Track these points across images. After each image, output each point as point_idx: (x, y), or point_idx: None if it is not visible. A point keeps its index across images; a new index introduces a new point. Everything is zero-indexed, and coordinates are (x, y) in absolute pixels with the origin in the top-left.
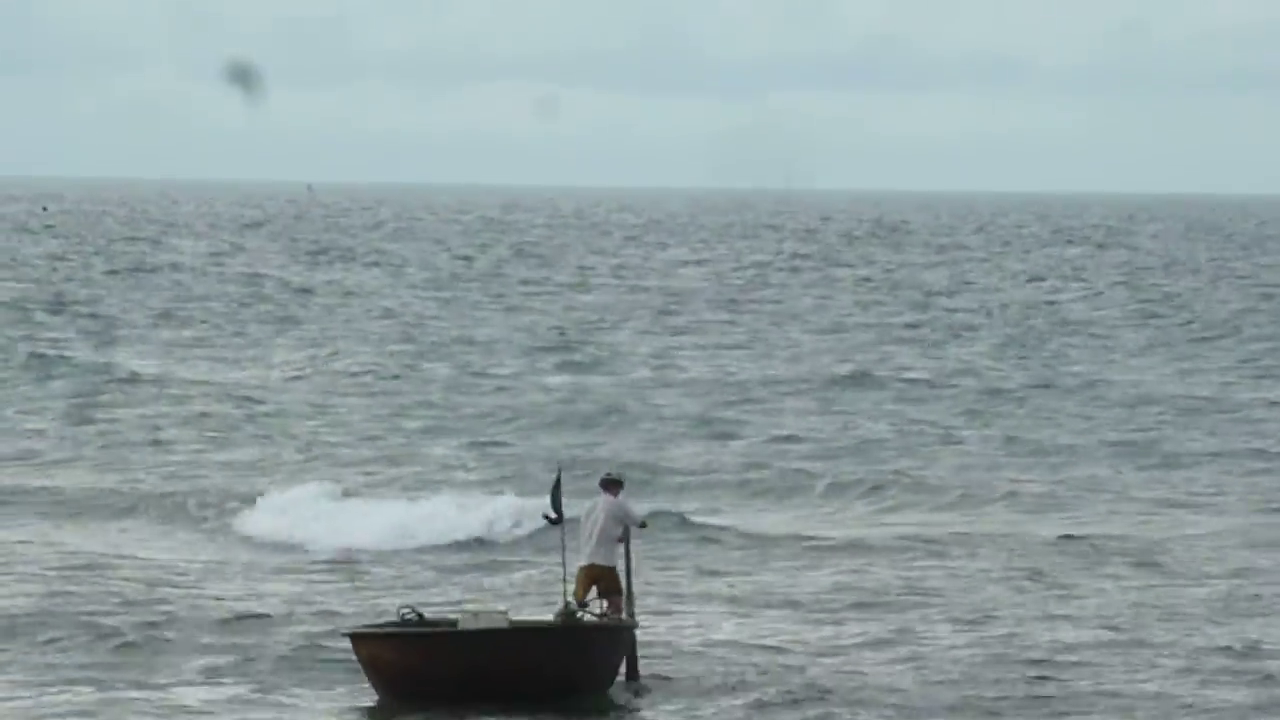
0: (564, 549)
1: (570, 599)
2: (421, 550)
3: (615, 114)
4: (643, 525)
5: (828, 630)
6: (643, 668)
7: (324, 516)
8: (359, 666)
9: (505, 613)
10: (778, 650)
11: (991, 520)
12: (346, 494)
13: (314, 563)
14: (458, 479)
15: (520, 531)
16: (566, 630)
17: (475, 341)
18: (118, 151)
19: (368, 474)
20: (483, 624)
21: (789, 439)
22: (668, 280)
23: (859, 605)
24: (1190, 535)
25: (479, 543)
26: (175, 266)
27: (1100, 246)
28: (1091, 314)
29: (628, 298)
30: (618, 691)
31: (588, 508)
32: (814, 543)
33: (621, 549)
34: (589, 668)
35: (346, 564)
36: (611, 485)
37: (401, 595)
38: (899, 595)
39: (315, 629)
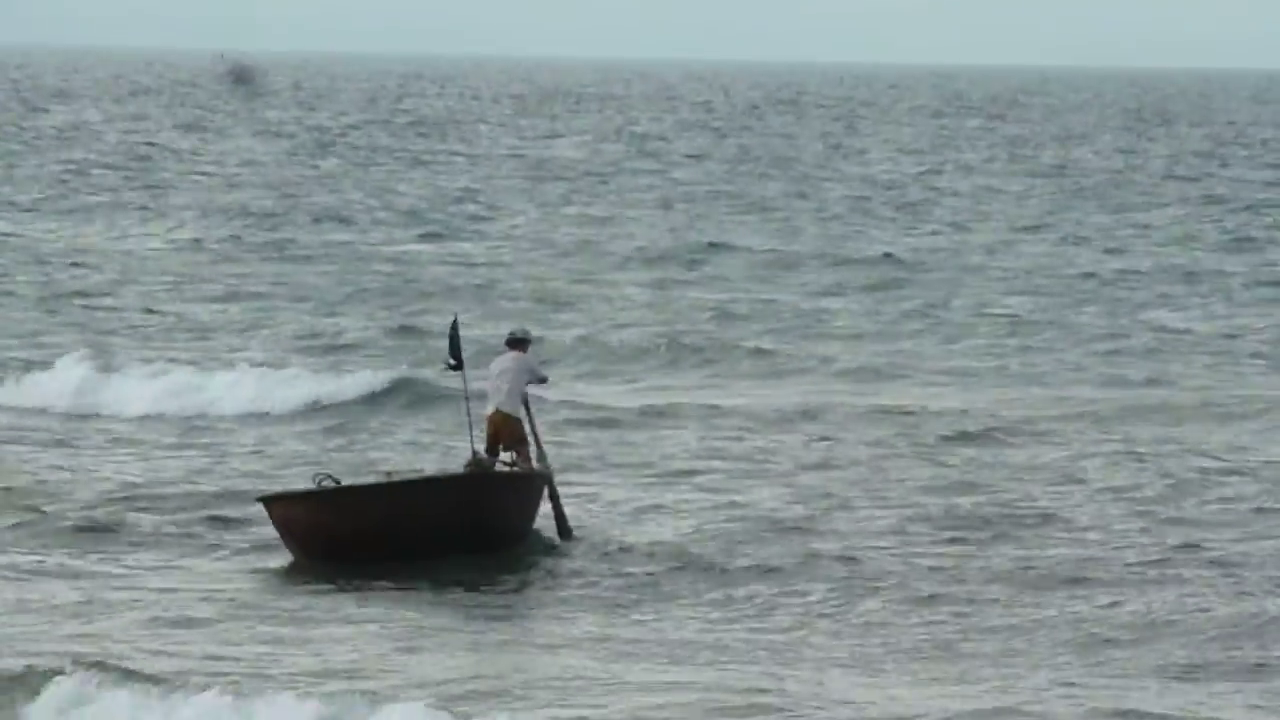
0: (467, 401)
1: (478, 449)
2: (275, 419)
3: None
4: (544, 380)
5: (670, 495)
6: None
7: (169, 385)
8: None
9: (421, 470)
10: (650, 514)
11: (839, 392)
12: (191, 362)
13: (164, 433)
14: (305, 348)
15: (358, 398)
16: (478, 478)
17: (341, 210)
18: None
19: (215, 342)
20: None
21: (641, 309)
22: (547, 151)
23: (693, 472)
24: (1021, 406)
25: (325, 409)
26: (57, 131)
27: (996, 117)
28: (965, 184)
29: (503, 169)
30: (532, 549)
31: (494, 365)
32: (662, 411)
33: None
34: (504, 517)
35: (197, 431)
36: (518, 343)
37: (256, 462)
38: (744, 463)
39: (189, 498)
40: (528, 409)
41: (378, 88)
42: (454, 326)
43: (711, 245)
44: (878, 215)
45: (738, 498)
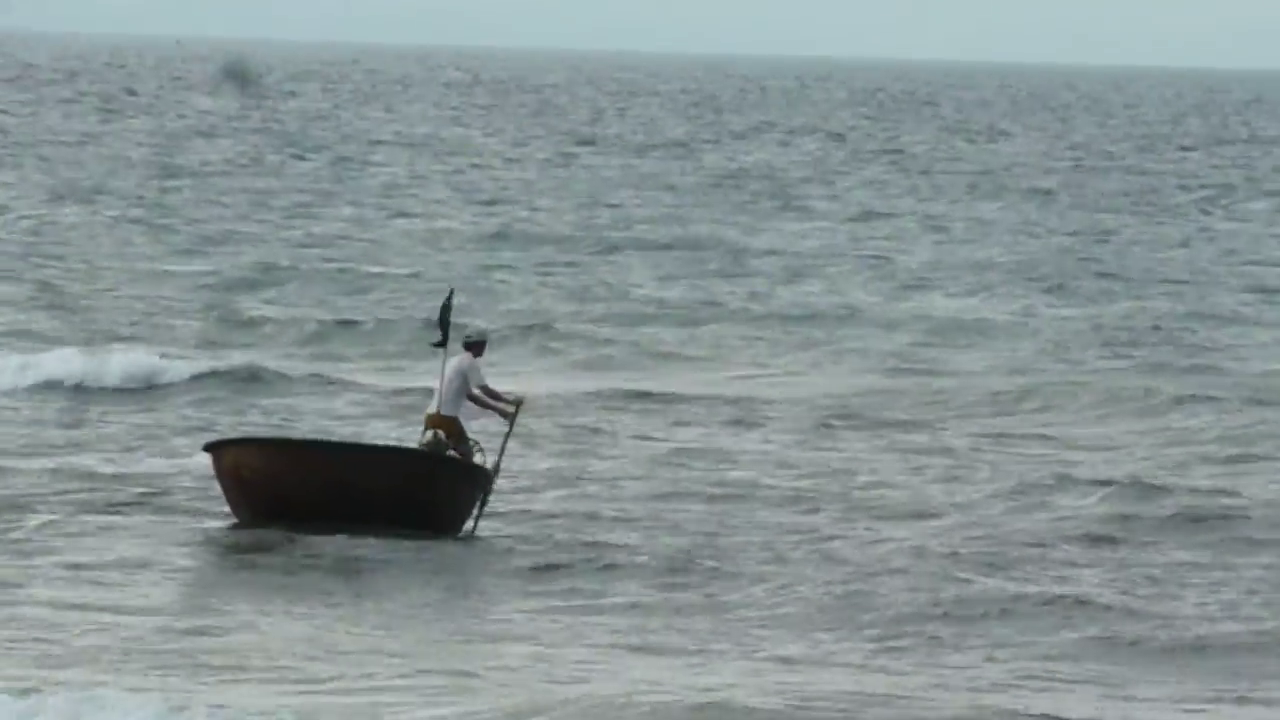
0: (441, 379)
1: (439, 432)
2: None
3: None
4: (478, 391)
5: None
6: None
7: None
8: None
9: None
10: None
11: (665, 379)
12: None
13: None
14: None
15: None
16: (441, 458)
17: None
18: None
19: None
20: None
21: (501, 296)
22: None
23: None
24: (811, 393)
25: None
26: None
27: (901, 108)
28: (847, 178)
29: (393, 152)
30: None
31: (448, 364)
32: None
33: (466, 403)
34: (452, 500)
35: None
36: (471, 346)
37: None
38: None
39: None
40: (510, 427)
41: (341, 74)
42: (447, 302)
43: (580, 233)
44: (744, 205)
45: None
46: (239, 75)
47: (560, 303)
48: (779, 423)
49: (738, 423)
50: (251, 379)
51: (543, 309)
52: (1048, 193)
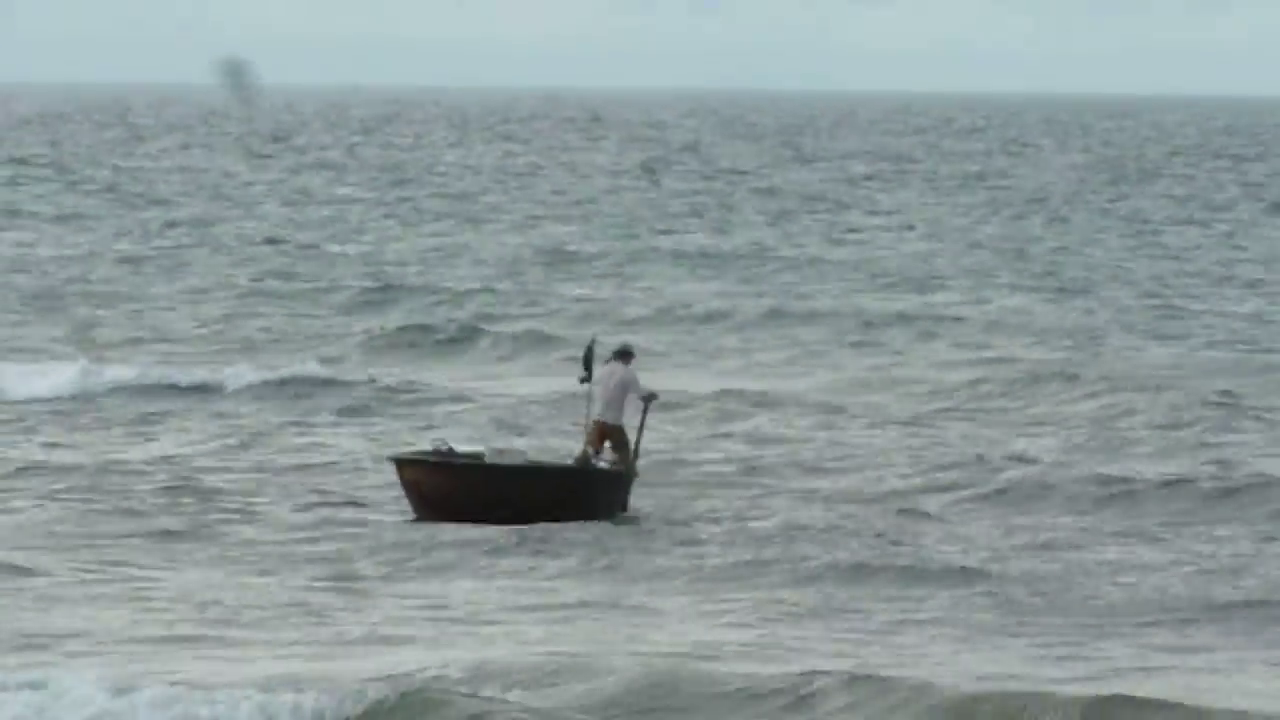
0: (588, 408)
1: (588, 448)
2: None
3: (602, 20)
4: (650, 397)
5: None
6: None
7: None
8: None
9: (524, 453)
10: None
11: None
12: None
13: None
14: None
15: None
16: (585, 473)
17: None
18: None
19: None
20: (508, 460)
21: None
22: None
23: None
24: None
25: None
26: None
27: (940, 137)
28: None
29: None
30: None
31: (602, 373)
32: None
33: (628, 411)
34: (596, 503)
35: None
36: (624, 356)
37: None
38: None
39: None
40: (643, 419)
41: (466, 116)
42: (589, 349)
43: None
44: (783, 219)
45: None
46: (235, 74)
47: (599, 306)
48: (781, 410)
49: (737, 415)
50: (330, 384)
51: (586, 313)
52: (1066, 202)
